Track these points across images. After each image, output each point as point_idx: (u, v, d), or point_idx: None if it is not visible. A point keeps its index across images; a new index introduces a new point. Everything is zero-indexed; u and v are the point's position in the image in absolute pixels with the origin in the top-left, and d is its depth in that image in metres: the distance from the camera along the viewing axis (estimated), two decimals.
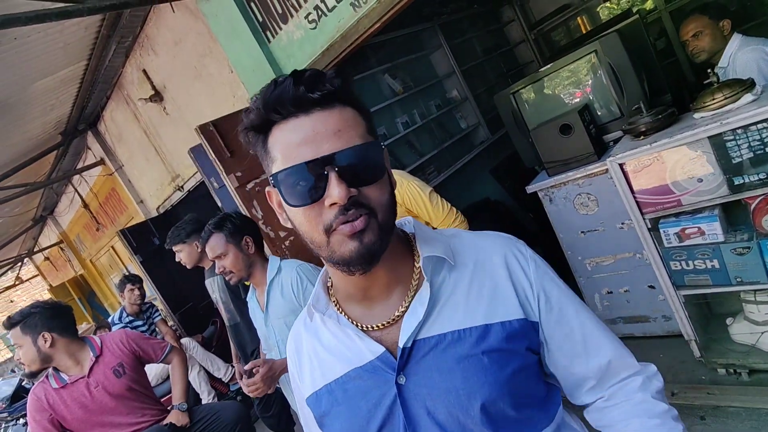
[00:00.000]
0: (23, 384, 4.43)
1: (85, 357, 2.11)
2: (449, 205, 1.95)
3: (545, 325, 0.69)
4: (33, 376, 2.04)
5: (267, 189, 0.67)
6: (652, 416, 0.70)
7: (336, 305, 0.72)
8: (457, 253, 0.71)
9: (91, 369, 2.08)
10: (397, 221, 0.73)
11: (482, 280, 0.69)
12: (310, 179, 0.58)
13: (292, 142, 0.58)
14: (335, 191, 0.57)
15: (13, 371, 5.88)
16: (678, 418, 0.72)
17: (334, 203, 0.57)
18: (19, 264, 10.43)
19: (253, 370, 1.78)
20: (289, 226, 0.65)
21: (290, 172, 0.58)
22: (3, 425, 4.14)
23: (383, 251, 0.62)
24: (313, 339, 0.74)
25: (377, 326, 0.68)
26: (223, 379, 4.11)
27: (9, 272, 10.73)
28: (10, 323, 1.98)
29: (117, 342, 2.20)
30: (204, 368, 4.08)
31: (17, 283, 11.81)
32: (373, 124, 0.66)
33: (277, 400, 2.81)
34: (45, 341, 2.00)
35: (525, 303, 0.69)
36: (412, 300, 0.67)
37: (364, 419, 0.66)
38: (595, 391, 0.74)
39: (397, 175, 1.99)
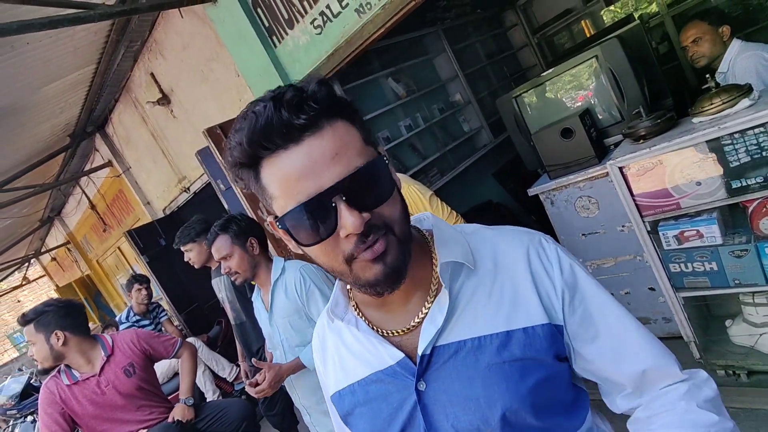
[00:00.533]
0: (31, 382, 4.49)
1: (96, 356, 2.15)
2: (449, 208, 1.99)
3: (569, 327, 0.65)
4: (46, 372, 2.08)
5: (269, 219, 0.62)
6: (698, 427, 0.63)
7: (356, 309, 0.71)
8: (477, 254, 0.68)
9: (102, 368, 2.13)
10: (414, 218, 0.72)
11: (503, 282, 0.66)
12: (319, 214, 0.54)
13: (289, 178, 0.54)
14: (349, 221, 0.53)
15: (20, 369, 5.95)
16: (733, 430, 0.64)
17: (349, 234, 0.54)
18: (26, 264, 10.53)
19: (258, 377, 1.84)
20: (300, 252, 0.61)
21: (295, 213, 0.54)
22: (11, 422, 4.20)
23: (407, 266, 0.59)
24: (336, 338, 0.74)
25: (397, 332, 0.67)
26: (228, 379, 4.16)
27: (16, 272, 10.84)
28: (25, 320, 2.03)
29: (128, 342, 2.24)
30: (209, 368, 4.13)
31: (24, 283, 11.92)
32: (366, 127, 0.61)
33: (280, 399, 2.85)
34: (57, 339, 2.05)
35: (549, 305, 0.65)
36: (431, 306, 0.65)
37: (386, 422, 0.67)
38: (632, 398, 0.69)
39: (399, 178, 2.03)
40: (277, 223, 0.58)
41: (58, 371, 2.14)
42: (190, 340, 4.13)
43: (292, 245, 0.61)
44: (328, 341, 0.75)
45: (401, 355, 0.66)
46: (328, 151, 0.53)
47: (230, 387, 4.16)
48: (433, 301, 0.65)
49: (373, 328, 0.68)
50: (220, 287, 2.90)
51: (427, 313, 0.65)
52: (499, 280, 0.66)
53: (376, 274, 0.57)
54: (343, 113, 0.57)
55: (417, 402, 0.64)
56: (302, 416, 2.07)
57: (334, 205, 0.54)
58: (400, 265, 0.58)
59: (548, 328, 0.64)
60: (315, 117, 0.53)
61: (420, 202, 1.94)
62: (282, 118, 0.52)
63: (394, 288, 0.59)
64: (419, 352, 0.64)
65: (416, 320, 0.65)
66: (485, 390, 0.62)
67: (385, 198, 0.57)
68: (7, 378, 4.80)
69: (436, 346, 0.64)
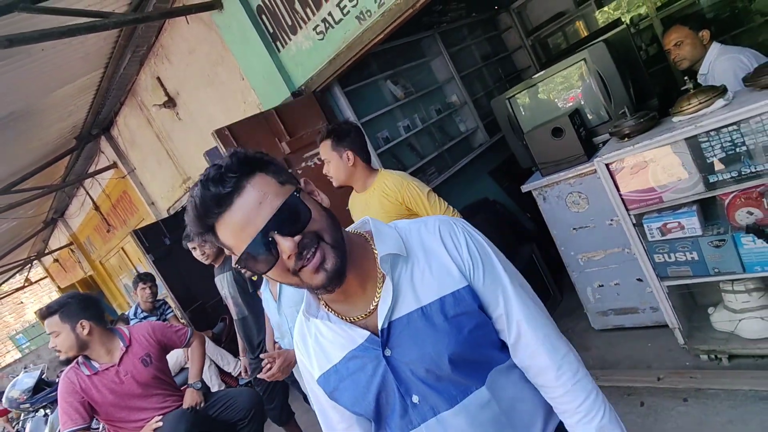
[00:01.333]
0: (43, 377, 4.60)
1: (115, 347, 2.26)
2: (446, 204, 2.11)
3: (477, 290, 0.85)
4: (67, 362, 2.18)
5: (236, 267, 0.80)
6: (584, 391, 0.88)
7: (325, 306, 0.87)
8: (408, 244, 0.86)
9: (121, 358, 2.23)
10: (357, 224, 0.92)
11: (431, 262, 0.84)
12: (263, 249, 0.71)
13: (235, 231, 0.71)
14: (285, 246, 0.71)
15: (26, 368, 6.05)
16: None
17: (290, 255, 0.72)
18: (29, 266, 10.62)
19: (269, 362, 1.98)
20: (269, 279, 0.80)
21: (248, 253, 0.71)
22: (23, 416, 4.31)
23: (345, 265, 0.76)
24: (314, 333, 0.90)
25: (361, 317, 0.85)
26: (233, 374, 4.28)
27: (18, 274, 10.92)
28: (49, 311, 2.12)
29: (144, 334, 2.35)
30: (214, 362, 4.25)
31: (26, 284, 12.00)
32: (280, 168, 0.77)
33: (278, 393, 3.00)
34: (83, 328, 2.15)
35: (464, 273, 0.84)
36: (381, 291, 0.83)
37: (366, 387, 0.84)
38: (515, 349, 0.88)
39: (398, 176, 2.15)
40: (238, 265, 0.74)
41: (77, 363, 2.24)
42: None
43: (265, 277, 0.79)
44: (308, 337, 0.91)
45: (367, 333, 0.84)
46: (253, 202, 0.71)
47: (235, 381, 4.28)
48: (381, 288, 0.83)
49: (342, 318, 0.86)
50: (223, 284, 3.03)
51: (379, 298, 0.83)
52: (428, 261, 0.85)
53: (322, 280, 0.75)
54: (256, 168, 0.74)
55: (387, 365, 0.82)
56: (310, 401, 2.18)
57: (271, 238, 0.71)
58: (338, 267, 0.75)
59: (469, 289, 0.84)
60: (236, 182, 0.71)
61: (419, 199, 2.06)
62: (212, 193, 0.70)
63: (339, 285, 0.77)
64: (380, 327, 0.82)
65: (373, 305, 0.84)
66: (434, 346, 0.81)
67: (306, 221, 0.74)
68: (20, 373, 4.91)
69: (392, 320, 0.82)
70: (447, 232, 0.86)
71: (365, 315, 0.84)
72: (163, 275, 4.81)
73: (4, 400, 4.79)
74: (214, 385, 4.13)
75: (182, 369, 4.23)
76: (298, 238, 0.73)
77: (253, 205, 0.71)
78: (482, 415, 0.84)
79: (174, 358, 4.17)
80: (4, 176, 4.68)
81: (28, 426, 4.14)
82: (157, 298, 4.47)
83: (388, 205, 2.06)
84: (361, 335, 0.84)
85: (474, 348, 0.83)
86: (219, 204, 0.71)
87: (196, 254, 2.98)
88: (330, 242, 0.76)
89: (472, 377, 0.84)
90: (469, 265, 0.84)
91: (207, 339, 4.25)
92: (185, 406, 2.33)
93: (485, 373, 0.85)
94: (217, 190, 0.70)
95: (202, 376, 2.54)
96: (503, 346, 0.89)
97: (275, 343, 2.43)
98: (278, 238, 0.71)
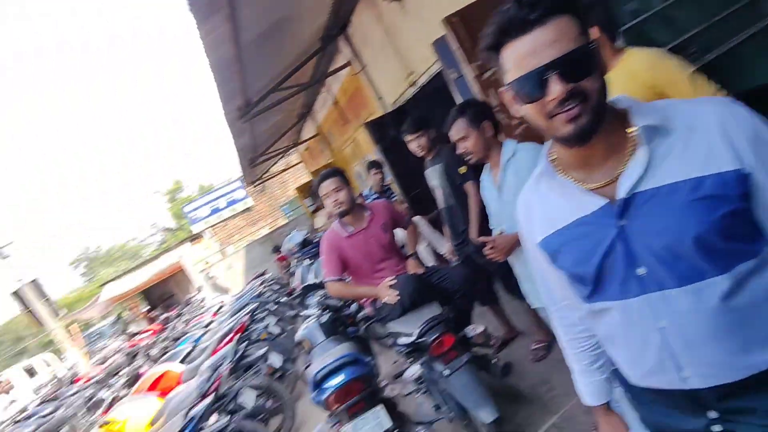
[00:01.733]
0: (306, 237, 6.05)
1: (364, 215, 2.82)
2: (718, 87, 1.70)
3: (757, 175, 0.77)
4: (345, 214, 2.75)
5: (500, 90, 0.87)
6: None
7: (562, 171, 0.89)
8: (671, 121, 0.81)
9: (368, 224, 2.78)
10: (611, 99, 0.86)
11: (697, 141, 0.78)
12: (536, 82, 0.77)
13: (519, 56, 0.77)
14: (554, 89, 0.75)
15: (297, 228, 8.01)
16: None
17: (554, 98, 0.76)
18: (288, 152, 13.33)
19: (488, 244, 2.17)
20: (518, 115, 0.86)
21: (521, 80, 0.78)
22: (293, 263, 5.83)
23: (596, 129, 0.78)
24: (542, 198, 0.94)
25: (597, 186, 0.85)
26: (445, 256, 4.75)
27: (282, 158, 13.87)
28: (335, 171, 2.78)
29: (380, 208, 2.89)
30: (431, 244, 4.77)
31: (287, 168, 15.29)
32: (585, 20, 0.79)
33: (482, 278, 3.22)
34: (349, 192, 2.77)
35: (740, 155, 0.76)
36: (628, 162, 0.82)
37: (591, 251, 0.85)
38: None
39: (651, 53, 1.82)
40: (508, 88, 0.82)
41: (334, 227, 2.84)
42: (416, 218, 4.79)
43: (513, 109, 0.86)
44: (533, 202, 0.96)
45: (604, 201, 0.83)
46: (549, 38, 0.75)
47: (446, 263, 4.75)
48: (629, 159, 0.82)
49: (577, 184, 0.87)
50: (434, 175, 3.26)
51: (623, 168, 0.82)
52: (693, 139, 0.79)
53: (569, 131, 0.78)
54: (566, 10, 0.77)
55: (618, 235, 0.82)
56: (521, 283, 2.31)
57: (546, 77, 0.76)
58: (589, 128, 0.78)
59: (738, 173, 0.76)
60: (543, 14, 0.75)
61: (679, 81, 1.69)
62: (520, 15, 0.76)
63: (582, 144, 0.80)
64: (620, 196, 0.81)
65: (615, 174, 0.83)
66: (679, 223, 0.77)
67: (585, 75, 0.76)
68: (292, 232, 6.57)
69: (636, 192, 0.80)
70: (729, 113, 0.79)
71: (604, 184, 0.84)
72: (390, 163, 5.43)
73: (283, 249, 6.52)
74: (429, 263, 4.68)
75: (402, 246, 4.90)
76: (570, 86, 0.76)
77: (547, 41, 0.76)
78: (714, 306, 0.77)
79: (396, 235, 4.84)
80: (274, 75, 5.77)
81: (297, 271, 5.56)
82: (384, 183, 5.12)
83: (633, 89, 1.76)
84: (596, 203, 0.84)
85: (723, 236, 0.76)
86: (520, 27, 0.77)
87: (412, 146, 3.26)
88: (593, 104, 0.78)
89: (713, 264, 0.77)
90: (751, 149, 0.76)
91: (425, 222, 4.77)
92: (410, 272, 2.78)
93: (732, 264, 0.77)
94: (525, 13, 0.76)
95: (416, 251, 2.97)
96: (756, 238, 0.80)
97: (491, 230, 2.57)
98: (552, 80, 0.76)
